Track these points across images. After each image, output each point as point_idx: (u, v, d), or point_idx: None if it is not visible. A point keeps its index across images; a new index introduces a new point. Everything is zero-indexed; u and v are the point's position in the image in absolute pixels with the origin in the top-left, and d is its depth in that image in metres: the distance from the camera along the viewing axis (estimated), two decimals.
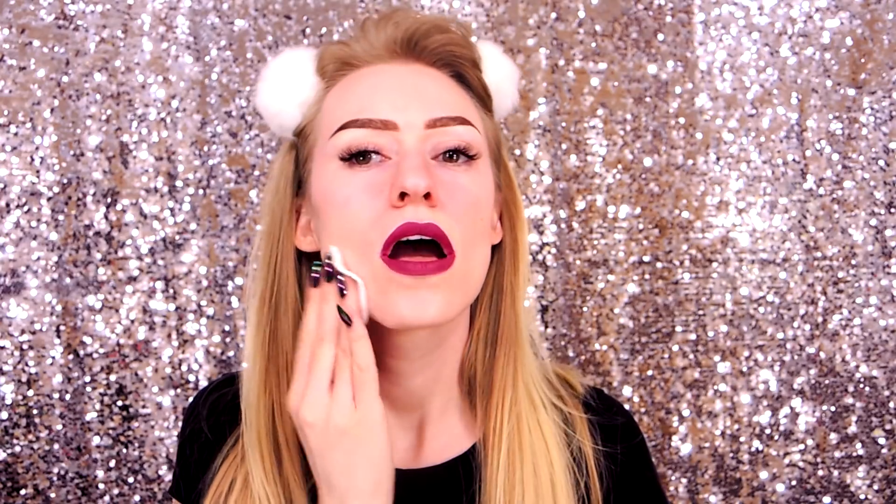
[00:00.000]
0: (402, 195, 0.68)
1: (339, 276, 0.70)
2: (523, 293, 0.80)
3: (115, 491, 1.44)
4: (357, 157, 0.71)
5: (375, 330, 0.71)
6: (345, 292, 0.69)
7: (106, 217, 1.46)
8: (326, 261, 0.71)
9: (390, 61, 0.75)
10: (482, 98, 0.78)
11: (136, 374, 1.45)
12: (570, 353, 1.50)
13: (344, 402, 0.67)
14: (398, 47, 0.75)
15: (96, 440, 1.44)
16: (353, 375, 0.68)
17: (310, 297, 0.71)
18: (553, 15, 1.50)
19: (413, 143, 0.71)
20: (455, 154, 0.72)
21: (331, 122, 0.74)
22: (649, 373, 1.51)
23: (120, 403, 1.45)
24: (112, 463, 1.45)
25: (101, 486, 1.44)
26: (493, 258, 0.79)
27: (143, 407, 1.45)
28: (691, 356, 1.51)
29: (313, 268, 0.71)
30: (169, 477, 1.44)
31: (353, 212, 0.70)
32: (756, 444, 1.51)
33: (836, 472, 1.52)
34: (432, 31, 0.75)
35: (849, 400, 1.52)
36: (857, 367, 1.52)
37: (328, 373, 0.68)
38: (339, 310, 0.69)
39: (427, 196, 0.68)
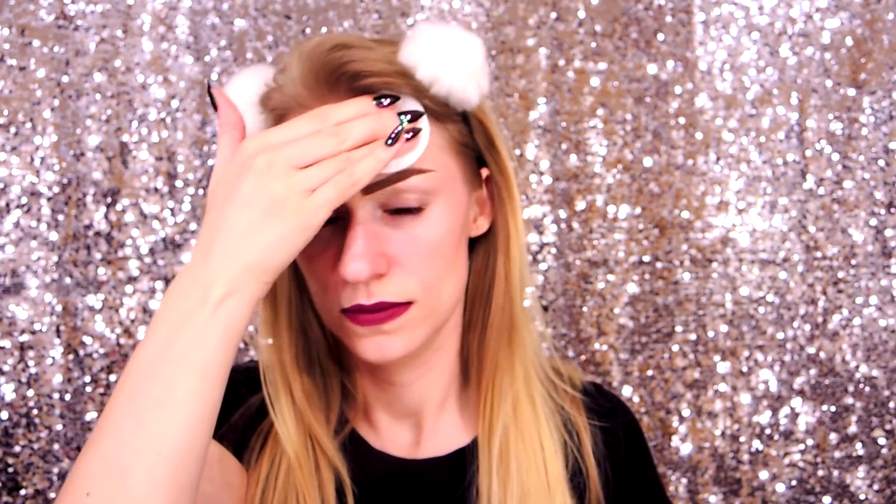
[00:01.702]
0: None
1: (406, 124, 0.64)
2: (517, 276, 0.77)
3: None
4: None
5: None
6: (398, 138, 0.63)
7: (106, 217, 1.45)
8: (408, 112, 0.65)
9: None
10: (436, 111, 0.69)
11: None
12: (570, 353, 1.50)
13: (303, 183, 0.58)
14: (327, 92, 0.67)
15: None
16: (339, 174, 0.60)
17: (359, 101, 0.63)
18: (553, 15, 1.50)
19: (358, 213, 0.66)
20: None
21: None
22: (649, 373, 1.51)
23: None
24: None
25: None
26: (483, 245, 0.79)
27: None
28: (691, 356, 1.51)
29: (388, 103, 0.64)
30: None
31: (313, 272, 0.70)
32: (756, 444, 1.51)
33: (836, 472, 1.52)
34: (361, 76, 0.66)
35: (849, 400, 1.52)
36: (857, 367, 1.52)
37: (311, 157, 0.59)
38: (403, 122, 0.64)
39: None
